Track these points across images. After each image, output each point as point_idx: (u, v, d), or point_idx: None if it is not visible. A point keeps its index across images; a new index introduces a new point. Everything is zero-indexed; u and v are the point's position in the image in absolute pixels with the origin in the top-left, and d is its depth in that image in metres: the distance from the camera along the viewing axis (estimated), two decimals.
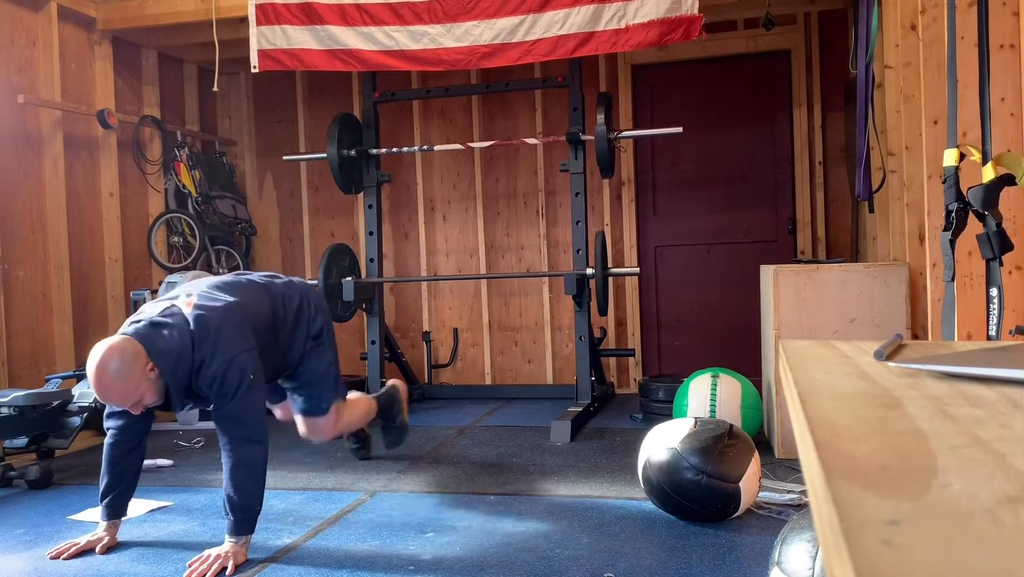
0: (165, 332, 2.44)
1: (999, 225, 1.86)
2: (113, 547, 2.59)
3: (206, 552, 2.42)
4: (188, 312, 2.50)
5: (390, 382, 3.71)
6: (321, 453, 3.78)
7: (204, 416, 4.91)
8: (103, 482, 2.60)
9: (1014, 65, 2.45)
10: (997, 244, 1.85)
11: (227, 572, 2.34)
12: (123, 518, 2.68)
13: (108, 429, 2.62)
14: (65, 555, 2.51)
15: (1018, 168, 1.87)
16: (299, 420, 3.05)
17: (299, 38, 4.58)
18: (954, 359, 0.78)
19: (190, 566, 2.36)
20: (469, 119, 5.79)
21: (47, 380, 3.96)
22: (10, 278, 4.36)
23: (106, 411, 2.64)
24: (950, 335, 1.99)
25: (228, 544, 2.42)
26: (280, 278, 2.94)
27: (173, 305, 2.52)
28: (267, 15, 4.58)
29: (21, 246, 4.45)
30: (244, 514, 2.45)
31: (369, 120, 5.10)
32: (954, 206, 1.91)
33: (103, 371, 2.32)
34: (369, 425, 3.54)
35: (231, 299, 2.59)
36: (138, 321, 2.47)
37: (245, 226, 5.79)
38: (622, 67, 5.59)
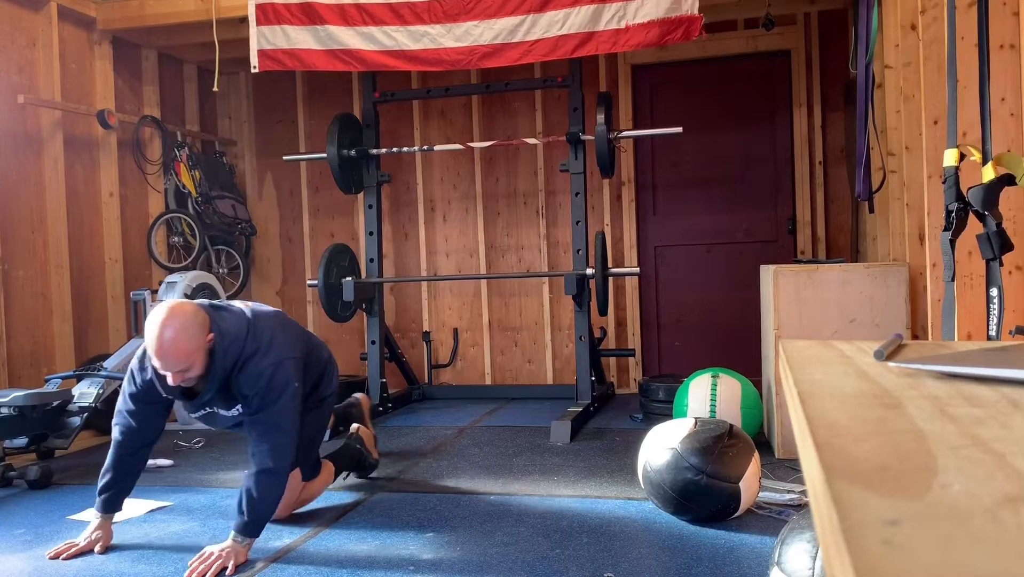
0: (225, 314, 2.49)
1: (999, 225, 1.86)
2: (109, 545, 2.59)
3: (207, 549, 2.41)
4: (245, 308, 2.58)
5: (354, 397, 3.49)
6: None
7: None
8: (104, 477, 2.59)
9: (1014, 65, 2.45)
10: (997, 244, 1.85)
11: (227, 572, 2.34)
12: (119, 515, 2.68)
13: (117, 427, 2.59)
14: (64, 555, 2.51)
15: (1018, 168, 1.87)
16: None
17: (299, 38, 4.58)
18: (954, 359, 0.78)
19: (191, 566, 2.36)
20: (469, 119, 5.79)
21: (47, 380, 3.96)
22: (10, 278, 4.37)
23: (118, 406, 2.61)
24: (950, 335, 1.99)
25: (231, 542, 2.42)
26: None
27: (227, 302, 2.63)
28: (267, 15, 4.58)
29: (21, 246, 4.45)
30: (257, 518, 2.45)
31: (369, 120, 5.10)
32: (954, 206, 1.91)
33: (170, 327, 2.30)
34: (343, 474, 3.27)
35: (285, 317, 2.73)
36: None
37: (245, 226, 5.79)
38: (622, 67, 5.59)
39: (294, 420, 2.53)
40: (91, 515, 2.64)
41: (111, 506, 2.63)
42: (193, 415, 2.66)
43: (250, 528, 2.44)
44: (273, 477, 2.46)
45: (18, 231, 4.44)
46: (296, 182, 6.10)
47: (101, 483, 2.60)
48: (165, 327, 2.32)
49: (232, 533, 2.44)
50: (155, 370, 2.46)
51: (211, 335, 2.41)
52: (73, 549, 2.53)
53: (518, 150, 5.75)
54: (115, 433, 2.61)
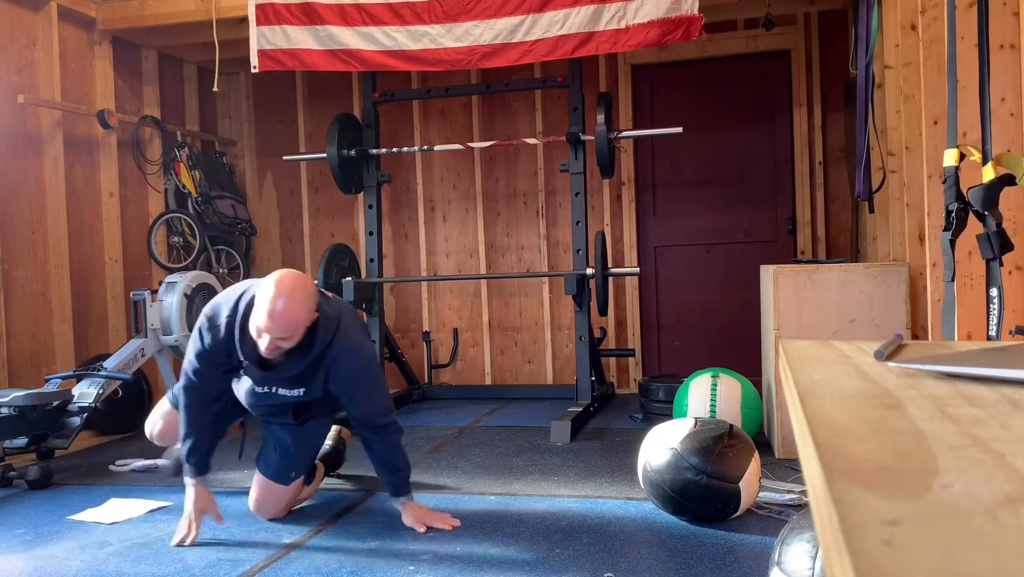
0: (323, 298, 2.57)
1: (999, 225, 1.86)
2: (217, 510, 2.66)
3: (421, 515, 2.67)
4: (328, 294, 2.69)
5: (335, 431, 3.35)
6: None
7: None
8: (186, 444, 2.62)
9: (1014, 65, 2.45)
10: (997, 244, 1.85)
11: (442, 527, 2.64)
12: (118, 516, 2.68)
13: (183, 389, 2.61)
14: (190, 541, 2.56)
15: (1018, 168, 1.87)
16: (258, 484, 2.82)
17: (299, 38, 4.58)
18: (954, 359, 0.78)
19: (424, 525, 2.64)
20: (469, 119, 5.79)
21: (47, 380, 3.96)
22: (10, 278, 4.37)
23: (183, 367, 2.63)
24: (950, 335, 1.99)
25: (415, 504, 2.70)
26: None
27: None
28: (267, 15, 4.58)
29: (21, 246, 4.45)
30: (404, 476, 2.71)
31: (369, 120, 5.10)
32: (954, 206, 1.91)
33: (289, 294, 2.34)
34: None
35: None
36: None
37: (245, 226, 5.79)
38: (622, 67, 5.59)
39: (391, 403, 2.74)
40: (94, 516, 2.65)
41: (202, 468, 2.64)
42: (257, 389, 2.62)
43: (407, 485, 2.71)
44: (400, 449, 2.70)
45: (18, 231, 4.44)
46: (296, 182, 6.10)
47: (185, 449, 2.61)
48: (284, 293, 2.33)
49: (404, 499, 2.69)
50: (241, 333, 2.45)
51: (317, 313, 2.46)
52: (192, 532, 2.58)
53: (518, 150, 5.75)
54: (181, 396, 2.60)
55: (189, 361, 2.59)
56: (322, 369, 2.55)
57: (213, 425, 2.67)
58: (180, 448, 2.66)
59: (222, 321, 2.50)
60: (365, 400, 2.63)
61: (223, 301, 2.57)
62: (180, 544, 2.56)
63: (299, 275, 2.43)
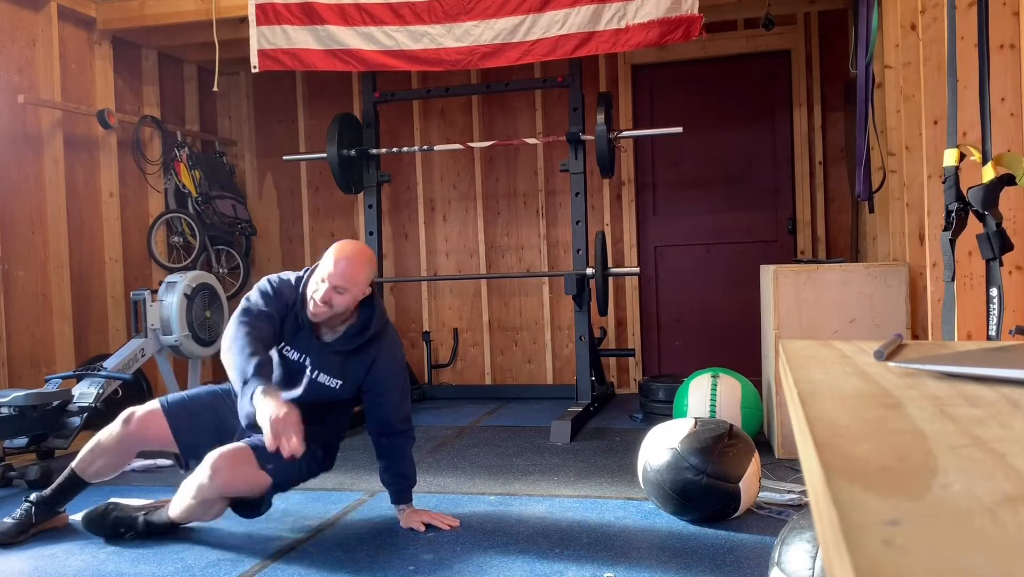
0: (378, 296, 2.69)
1: (999, 225, 1.86)
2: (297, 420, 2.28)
3: (420, 516, 2.68)
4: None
5: None
6: None
7: None
8: (243, 355, 2.38)
9: (1014, 65, 2.45)
10: (997, 244, 1.85)
11: (443, 527, 2.65)
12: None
13: (238, 321, 2.48)
14: (299, 452, 2.21)
15: (1018, 168, 1.87)
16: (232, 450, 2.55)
17: (299, 38, 4.58)
18: (954, 359, 0.78)
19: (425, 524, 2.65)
20: (469, 119, 5.79)
21: (47, 380, 3.96)
22: (10, 278, 4.37)
23: (242, 304, 2.55)
24: (950, 335, 1.99)
25: (411, 506, 2.72)
26: None
27: None
28: (267, 15, 4.58)
29: (21, 246, 4.45)
30: (410, 484, 2.74)
31: (369, 120, 5.11)
32: (954, 206, 1.91)
33: (360, 252, 2.54)
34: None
35: None
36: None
37: (245, 226, 5.79)
38: (622, 67, 5.59)
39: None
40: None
41: (269, 375, 2.41)
42: (300, 369, 2.57)
43: (409, 493, 2.73)
44: (412, 442, 2.75)
45: (18, 231, 4.44)
46: (296, 182, 6.10)
47: (252, 364, 2.35)
48: (351, 249, 2.53)
49: (404, 506, 2.71)
50: (304, 286, 2.54)
51: (371, 289, 2.58)
52: (295, 441, 2.21)
53: (518, 150, 5.75)
54: (238, 323, 2.48)
55: (254, 301, 2.55)
56: (368, 358, 2.60)
57: (267, 344, 2.51)
58: (240, 366, 2.39)
59: (291, 277, 2.62)
60: (395, 402, 2.68)
61: (287, 272, 2.69)
62: (291, 458, 2.25)
63: (364, 245, 2.65)
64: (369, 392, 2.66)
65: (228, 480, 2.45)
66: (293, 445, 2.20)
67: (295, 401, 2.50)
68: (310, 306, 2.50)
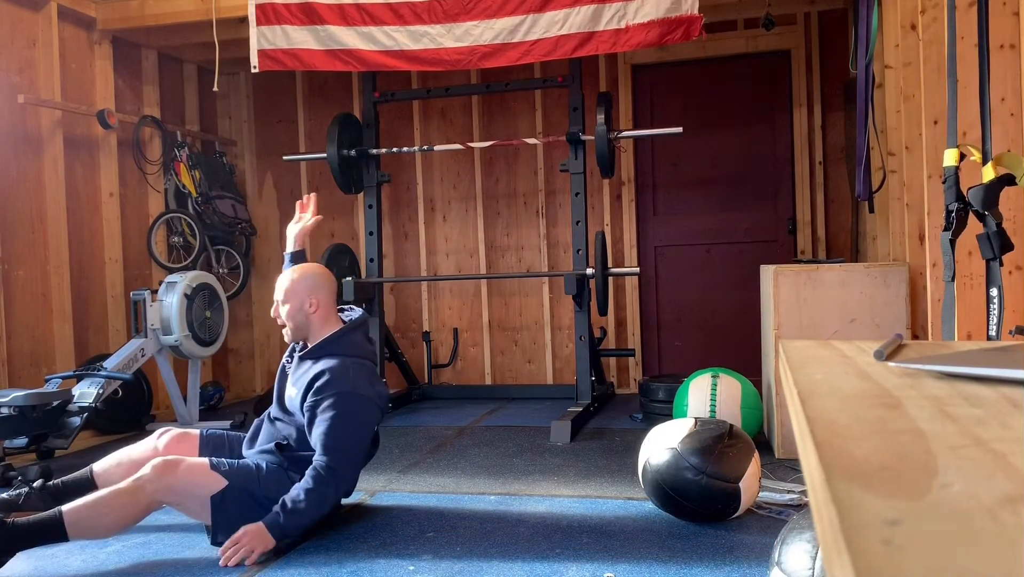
0: (358, 335, 2.76)
1: (999, 225, 1.86)
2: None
3: (239, 534, 2.41)
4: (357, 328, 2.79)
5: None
6: None
7: (204, 416, 4.92)
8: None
9: (1014, 65, 2.45)
10: (997, 244, 1.85)
11: (247, 561, 2.37)
12: None
13: None
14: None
15: (1018, 168, 1.87)
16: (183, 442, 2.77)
17: (299, 38, 4.58)
18: (954, 359, 0.78)
19: (223, 554, 2.39)
20: (469, 119, 5.79)
21: (47, 380, 3.96)
22: (10, 278, 4.37)
23: None
24: (950, 335, 1.99)
25: (261, 528, 2.42)
26: None
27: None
28: (267, 15, 4.58)
29: (21, 246, 4.45)
30: (293, 520, 2.44)
31: (369, 120, 5.10)
32: (954, 206, 1.91)
33: (303, 268, 2.77)
34: None
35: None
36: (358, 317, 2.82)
37: (245, 226, 5.79)
38: (622, 67, 5.59)
39: (352, 451, 2.60)
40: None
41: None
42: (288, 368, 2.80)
43: (281, 529, 2.42)
44: (324, 492, 2.51)
45: (18, 231, 4.44)
46: (296, 182, 6.10)
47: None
48: (298, 266, 2.79)
49: (263, 525, 2.42)
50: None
51: (315, 302, 2.67)
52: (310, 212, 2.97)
53: (518, 150, 5.75)
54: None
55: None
56: (315, 368, 2.60)
57: None
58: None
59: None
60: (324, 427, 2.53)
61: None
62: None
63: (317, 267, 2.80)
64: (309, 410, 2.58)
65: (170, 473, 2.45)
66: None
67: (278, 410, 2.73)
68: (287, 336, 2.76)
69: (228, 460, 2.61)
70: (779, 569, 1.80)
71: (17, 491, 2.64)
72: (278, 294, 2.71)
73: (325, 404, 2.55)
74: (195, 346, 4.66)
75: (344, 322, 2.76)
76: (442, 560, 2.38)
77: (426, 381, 5.72)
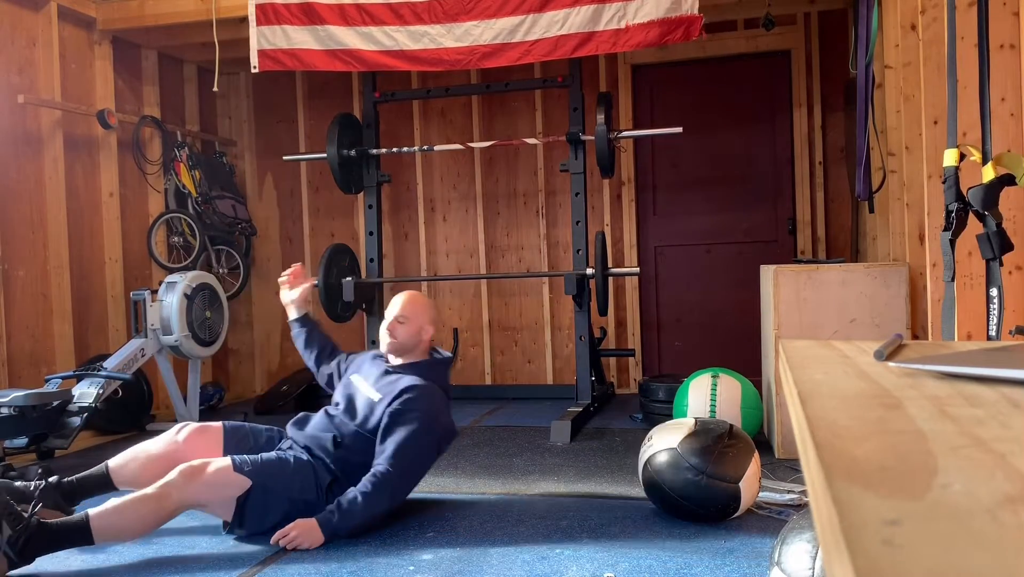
0: (445, 370, 2.99)
1: (999, 225, 1.86)
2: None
3: (290, 527, 2.50)
4: None
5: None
6: None
7: (204, 416, 4.92)
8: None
9: (1014, 65, 2.45)
10: (997, 244, 1.85)
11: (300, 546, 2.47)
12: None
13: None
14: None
15: (1018, 168, 1.87)
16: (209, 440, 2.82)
17: (299, 38, 4.58)
18: (954, 359, 0.78)
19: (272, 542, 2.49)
20: (469, 119, 5.79)
21: (47, 380, 3.96)
22: (10, 278, 4.37)
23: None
24: (950, 335, 1.99)
25: (313, 524, 2.50)
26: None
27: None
28: (267, 15, 4.58)
29: (21, 246, 4.45)
30: (345, 520, 2.52)
31: (369, 120, 5.10)
32: (954, 206, 1.91)
33: (423, 297, 3.04)
34: None
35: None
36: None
37: (245, 226, 5.79)
38: (622, 67, 5.59)
39: (416, 461, 2.72)
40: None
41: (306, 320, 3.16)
42: (349, 374, 2.96)
43: (334, 527, 2.50)
44: (383, 494, 2.59)
45: (18, 231, 4.44)
46: (296, 182, 6.10)
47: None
48: (417, 294, 3.03)
49: (316, 520, 2.51)
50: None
51: (431, 331, 2.91)
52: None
53: (518, 150, 5.75)
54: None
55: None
56: (401, 383, 2.75)
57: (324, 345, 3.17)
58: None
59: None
60: (395, 437, 2.65)
61: None
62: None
63: (431, 301, 3.16)
64: (391, 416, 2.70)
65: (193, 479, 2.49)
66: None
67: (341, 409, 2.84)
68: (382, 346, 2.92)
69: (252, 457, 2.64)
70: (779, 569, 1.80)
71: (32, 483, 2.64)
72: (401, 312, 2.88)
73: (408, 416, 2.67)
74: (195, 346, 4.66)
75: (434, 352, 2.98)
76: (442, 560, 2.38)
77: None
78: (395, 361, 2.91)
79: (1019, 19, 2.43)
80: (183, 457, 2.64)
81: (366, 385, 2.84)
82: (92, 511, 2.39)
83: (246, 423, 2.97)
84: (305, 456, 2.72)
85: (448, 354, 3.04)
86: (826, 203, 5.40)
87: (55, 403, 3.59)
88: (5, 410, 3.40)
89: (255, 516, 2.56)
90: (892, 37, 3.65)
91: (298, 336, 3.19)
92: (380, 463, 2.63)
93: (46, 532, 2.33)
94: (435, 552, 2.45)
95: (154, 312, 4.52)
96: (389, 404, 2.70)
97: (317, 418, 2.86)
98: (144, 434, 4.55)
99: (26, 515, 2.30)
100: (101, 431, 4.46)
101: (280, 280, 3.19)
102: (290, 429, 2.87)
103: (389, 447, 2.64)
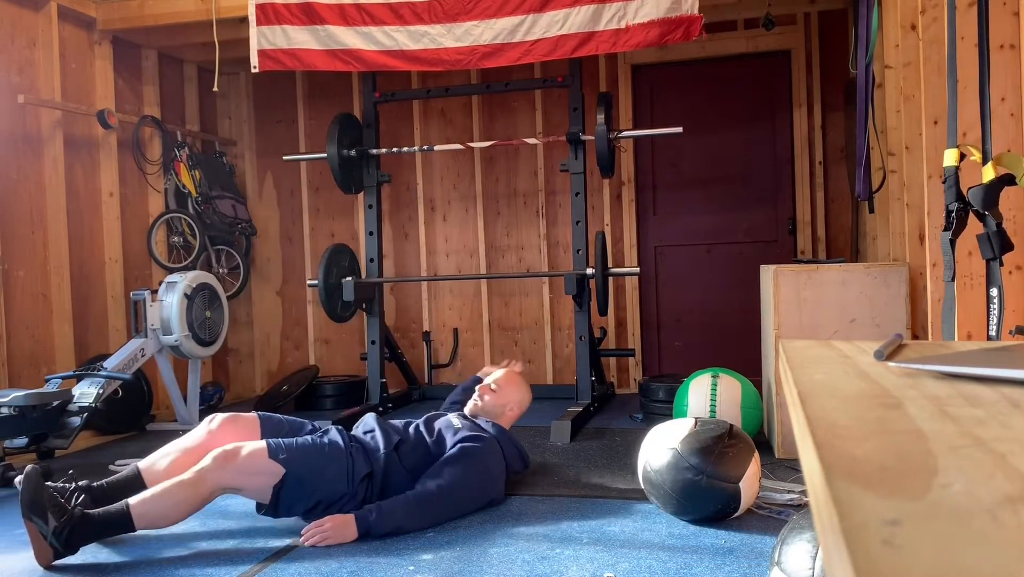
0: (516, 443, 3.09)
1: (999, 225, 1.86)
2: None
3: (324, 520, 2.54)
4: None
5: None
6: None
7: (203, 416, 4.91)
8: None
9: (1014, 65, 2.45)
10: (997, 244, 1.85)
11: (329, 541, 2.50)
12: None
13: None
14: None
15: (1018, 168, 1.87)
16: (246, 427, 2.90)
17: (299, 38, 4.58)
18: (954, 359, 0.78)
19: (304, 533, 2.53)
20: (469, 119, 5.79)
21: (47, 380, 3.96)
22: (10, 278, 4.37)
23: None
24: (950, 335, 1.99)
25: (349, 519, 2.54)
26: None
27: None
28: (267, 15, 4.58)
29: (21, 246, 4.45)
30: (381, 521, 2.55)
31: (369, 120, 5.10)
32: (954, 206, 1.91)
33: (521, 384, 3.23)
34: None
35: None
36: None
37: (245, 226, 5.79)
38: (622, 67, 5.59)
39: (466, 484, 2.79)
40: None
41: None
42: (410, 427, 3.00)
43: (372, 524, 2.53)
44: (431, 503, 2.66)
45: (18, 231, 4.44)
46: (296, 182, 6.10)
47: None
48: (517, 378, 3.24)
49: (358, 516, 2.55)
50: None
51: (516, 408, 3.18)
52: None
53: (518, 150, 5.75)
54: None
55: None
56: (464, 432, 2.88)
57: None
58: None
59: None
60: (447, 472, 2.75)
61: None
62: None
63: (530, 393, 3.27)
64: (461, 441, 2.85)
65: (227, 467, 2.54)
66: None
67: (419, 426, 2.97)
68: (467, 405, 3.14)
69: (287, 442, 2.68)
70: (779, 569, 1.80)
71: (63, 485, 2.63)
72: (497, 383, 3.14)
73: (477, 458, 2.81)
74: (195, 346, 4.66)
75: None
76: (442, 560, 2.38)
77: (426, 381, 5.72)
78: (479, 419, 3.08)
79: (1019, 19, 2.43)
80: (217, 445, 2.69)
81: (451, 417, 3.02)
82: (132, 499, 2.48)
83: (282, 416, 3.04)
84: (342, 443, 2.74)
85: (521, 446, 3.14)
86: (826, 203, 5.40)
87: (55, 403, 3.59)
88: (5, 410, 3.40)
89: (288, 503, 2.62)
90: (892, 37, 3.65)
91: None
92: (431, 483, 2.69)
93: (89, 522, 2.40)
94: (435, 552, 2.45)
95: (154, 312, 4.52)
96: (464, 440, 2.82)
97: (383, 420, 2.96)
98: (144, 434, 4.55)
99: (70, 507, 2.39)
100: (101, 431, 4.46)
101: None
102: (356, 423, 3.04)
103: (447, 474, 2.73)
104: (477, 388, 3.17)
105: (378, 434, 2.84)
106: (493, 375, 3.21)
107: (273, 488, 2.58)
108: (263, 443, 2.63)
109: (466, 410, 3.13)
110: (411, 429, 2.93)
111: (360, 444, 2.79)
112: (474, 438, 2.85)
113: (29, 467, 2.44)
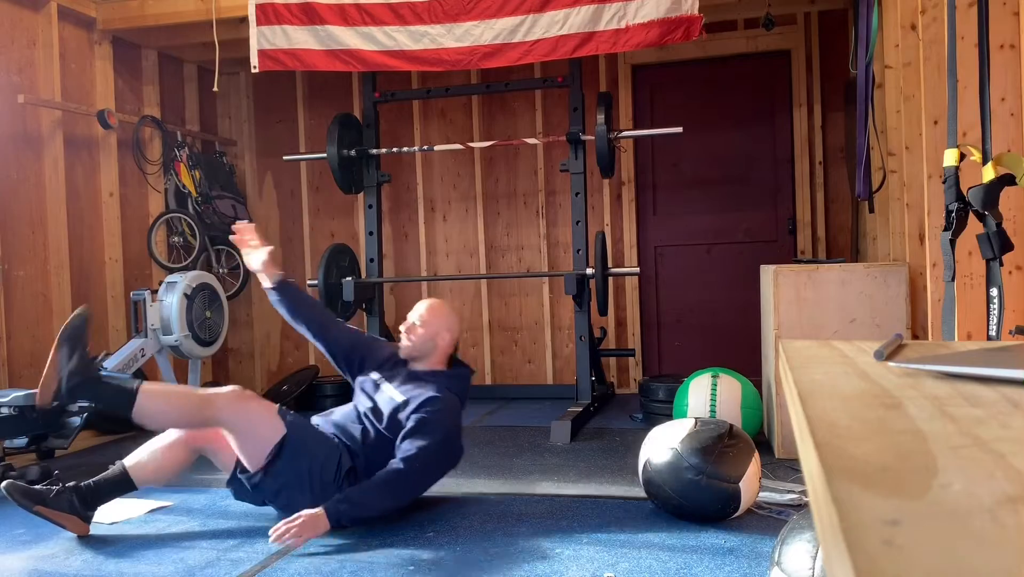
0: (466, 382, 3.04)
1: (999, 225, 1.86)
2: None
3: (295, 517, 2.50)
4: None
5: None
6: None
7: None
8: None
9: (1014, 65, 2.45)
10: (997, 244, 1.85)
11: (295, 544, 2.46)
12: (117, 516, 2.67)
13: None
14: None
15: (1018, 168, 1.87)
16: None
17: (299, 38, 4.58)
18: (954, 359, 0.78)
19: (274, 531, 2.48)
20: (469, 119, 5.79)
21: None
22: (10, 278, 4.37)
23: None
24: (950, 335, 1.99)
25: (319, 514, 2.51)
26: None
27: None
28: (267, 15, 4.58)
29: (21, 246, 4.45)
30: (351, 509, 2.56)
31: (369, 120, 5.10)
32: (954, 206, 1.91)
33: (443, 306, 3.02)
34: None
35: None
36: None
37: None
38: (622, 67, 5.59)
39: (433, 462, 2.78)
40: (99, 517, 2.74)
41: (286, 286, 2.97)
42: (373, 372, 2.95)
43: (340, 514, 2.52)
44: (395, 485, 2.66)
45: (18, 231, 4.44)
46: (296, 182, 6.10)
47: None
48: (439, 302, 3.04)
49: (321, 510, 2.52)
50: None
51: (448, 338, 2.93)
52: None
53: (518, 150, 5.74)
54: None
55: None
56: (427, 391, 2.80)
57: (314, 311, 3.07)
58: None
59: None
60: (414, 441, 2.72)
61: None
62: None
63: (454, 312, 3.07)
64: (416, 421, 2.76)
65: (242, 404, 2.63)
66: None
67: (369, 408, 2.85)
68: (401, 349, 2.96)
69: (293, 412, 2.80)
70: (779, 569, 1.80)
71: (50, 486, 2.65)
72: (418, 317, 2.93)
73: (433, 427, 2.74)
74: (195, 346, 4.66)
75: (453, 363, 3.01)
76: (442, 560, 2.38)
77: None
78: (418, 366, 2.95)
79: (1019, 19, 2.43)
80: (204, 435, 2.74)
81: (390, 387, 2.89)
82: (145, 385, 2.57)
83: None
84: (335, 438, 2.80)
85: (469, 367, 3.08)
86: (826, 203, 5.40)
87: (55, 403, 3.58)
88: (5, 410, 3.39)
89: (279, 471, 2.64)
90: (892, 37, 3.65)
91: (279, 304, 2.99)
92: (397, 461, 2.69)
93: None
94: (435, 552, 2.45)
95: (154, 312, 4.52)
96: (415, 410, 2.77)
97: (346, 410, 2.93)
98: (144, 434, 4.54)
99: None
100: (101, 431, 4.46)
101: (233, 239, 3.10)
102: (315, 418, 2.94)
103: (411, 449, 2.71)
104: (403, 328, 2.97)
105: (349, 427, 2.85)
106: (413, 311, 2.99)
107: (271, 449, 2.63)
108: (275, 405, 2.75)
109: (401, 353, 2.97)
110: (365, 419, 2.84)
111: (344, 440, 2.81)
112: (426, 402, 2.76)
113: (7, 482, 2.52)
